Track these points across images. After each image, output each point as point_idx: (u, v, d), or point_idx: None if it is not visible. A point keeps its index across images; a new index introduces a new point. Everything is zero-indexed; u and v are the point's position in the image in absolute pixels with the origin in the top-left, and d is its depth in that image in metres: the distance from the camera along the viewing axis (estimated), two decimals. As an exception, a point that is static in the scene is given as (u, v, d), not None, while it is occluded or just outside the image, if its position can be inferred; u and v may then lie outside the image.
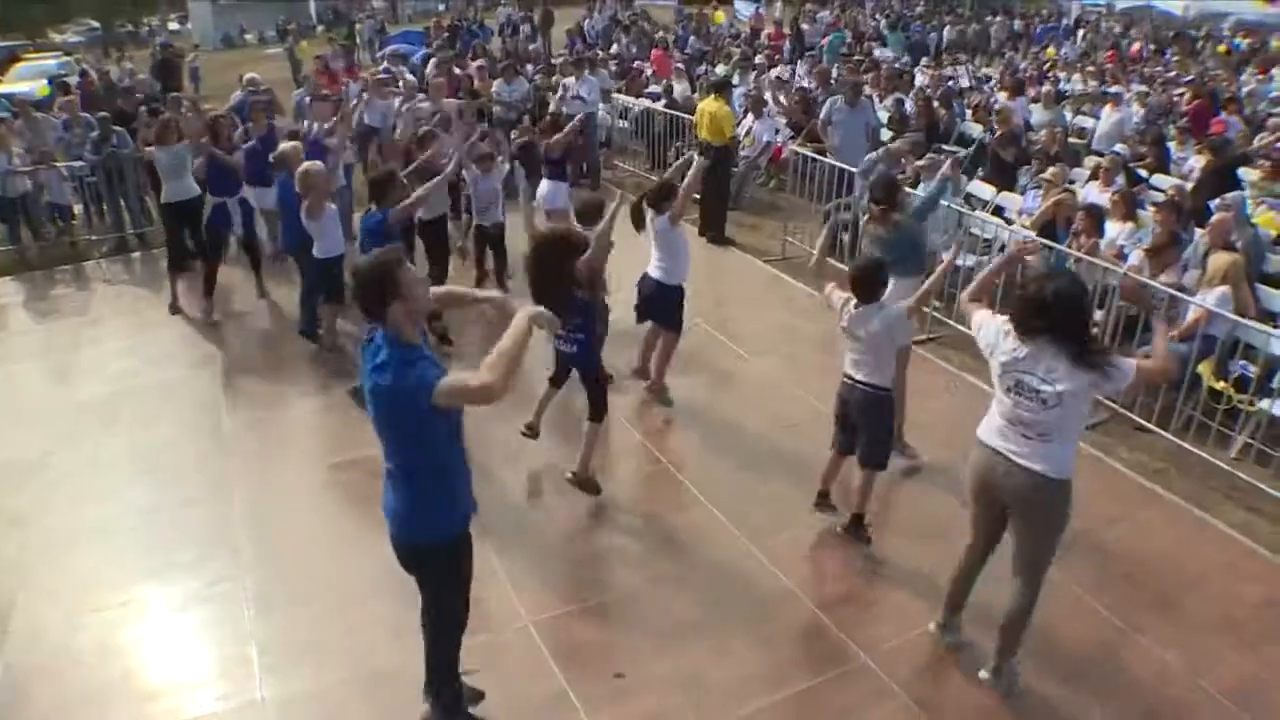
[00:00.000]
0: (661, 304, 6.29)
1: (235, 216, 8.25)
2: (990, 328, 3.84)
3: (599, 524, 5.38)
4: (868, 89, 11.56)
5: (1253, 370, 6.23)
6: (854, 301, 4.78)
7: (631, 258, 6.33)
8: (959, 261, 8.16)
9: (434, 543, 3.46)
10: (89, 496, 5.72)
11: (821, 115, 10.16)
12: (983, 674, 4.15)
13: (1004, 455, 3.74)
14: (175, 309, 8.36)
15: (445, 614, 3.68)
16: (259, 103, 8.97)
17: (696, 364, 6.49)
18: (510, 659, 4.33)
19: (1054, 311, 3.52)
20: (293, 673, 4.30)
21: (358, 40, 22.69)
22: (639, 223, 6.27)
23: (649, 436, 6.26)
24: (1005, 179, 9.66)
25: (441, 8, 30.84)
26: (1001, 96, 12.25)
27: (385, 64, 14.94)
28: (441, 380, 3.07)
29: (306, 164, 6.71)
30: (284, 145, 7.33)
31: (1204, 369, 6.28)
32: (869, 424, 4.91)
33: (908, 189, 7.80)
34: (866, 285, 4.72)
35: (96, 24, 35.65)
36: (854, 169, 8.88)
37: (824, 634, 4.52)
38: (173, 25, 30.72)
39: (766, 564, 5.01)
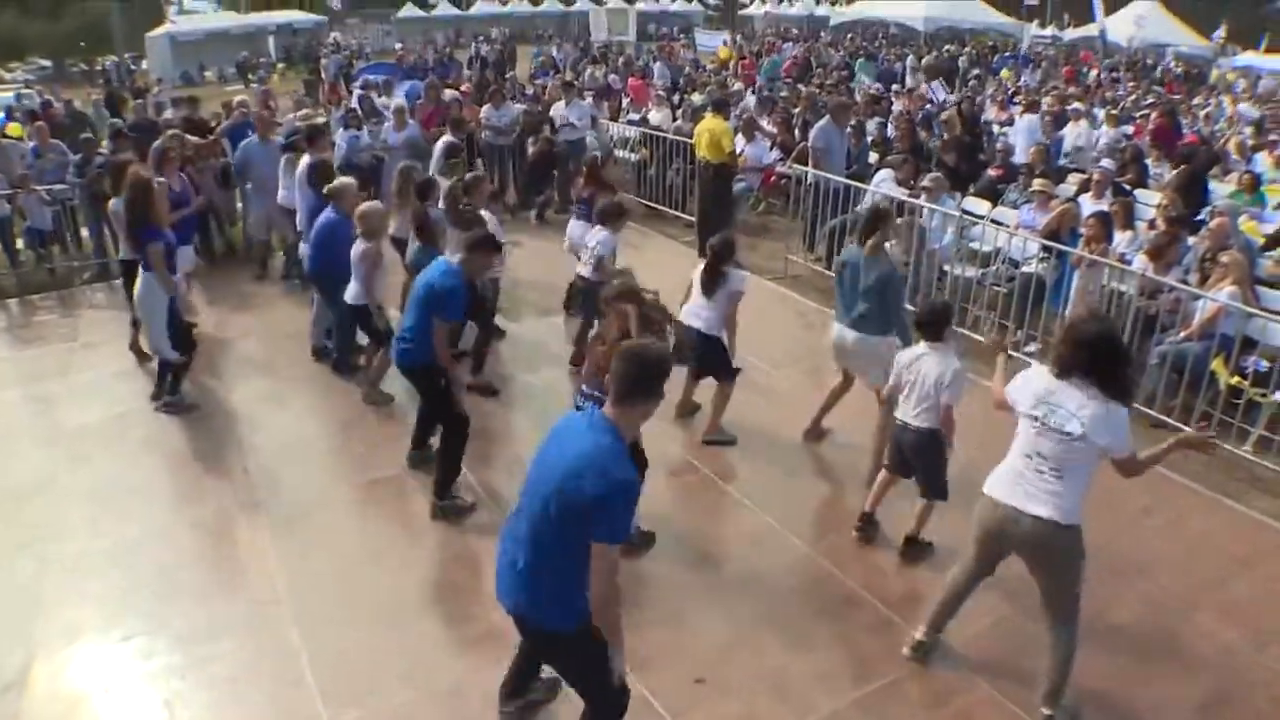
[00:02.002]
0: (709, 354, 6.01)
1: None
2: (1027, 376, 3.86)
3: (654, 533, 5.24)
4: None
5: (1265, 365, 6.39)
6: (919, 345, 4.84)
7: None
8: (958, 272, 8.44)
9: (569, 631, 3.15)
10: (102, 519, 5.45)
11: (811, 140, 10.30)
12: None
13: (1014, 508, 3.73)
14: (138, 350, 7.60)
15: (601, 696, 3.32)
16: (171, 151, 8.09)
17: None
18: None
19: (1094, 351, 3.61)
20: (353, 695, 4.12)
21: (322, 75, 22.59)
22: (711, 286, 5.94)
23: (690, 449, 6.20)
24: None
25: (399, 46, 30.79)
26: (1027, 118, 12.78)
27: (359, 92, 14.88)
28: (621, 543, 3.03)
29: (365, 205, 6.60)
30: (340, 180, 7.14)
31: (1217, 366, 6.42)
32: (925, 465, 4.90)
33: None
34: (933, 326, 4.78)
35: (47, 62, 35.19)
36: (850, 183, 9.10)
37: (897, 630, 4.49)
38: (130, 66, 30.33)
39: (827, 566, 4.99)
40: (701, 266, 6.10)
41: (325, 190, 7.03)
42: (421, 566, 5.09)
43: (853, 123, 10.95)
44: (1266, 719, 4.02)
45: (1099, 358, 3.60)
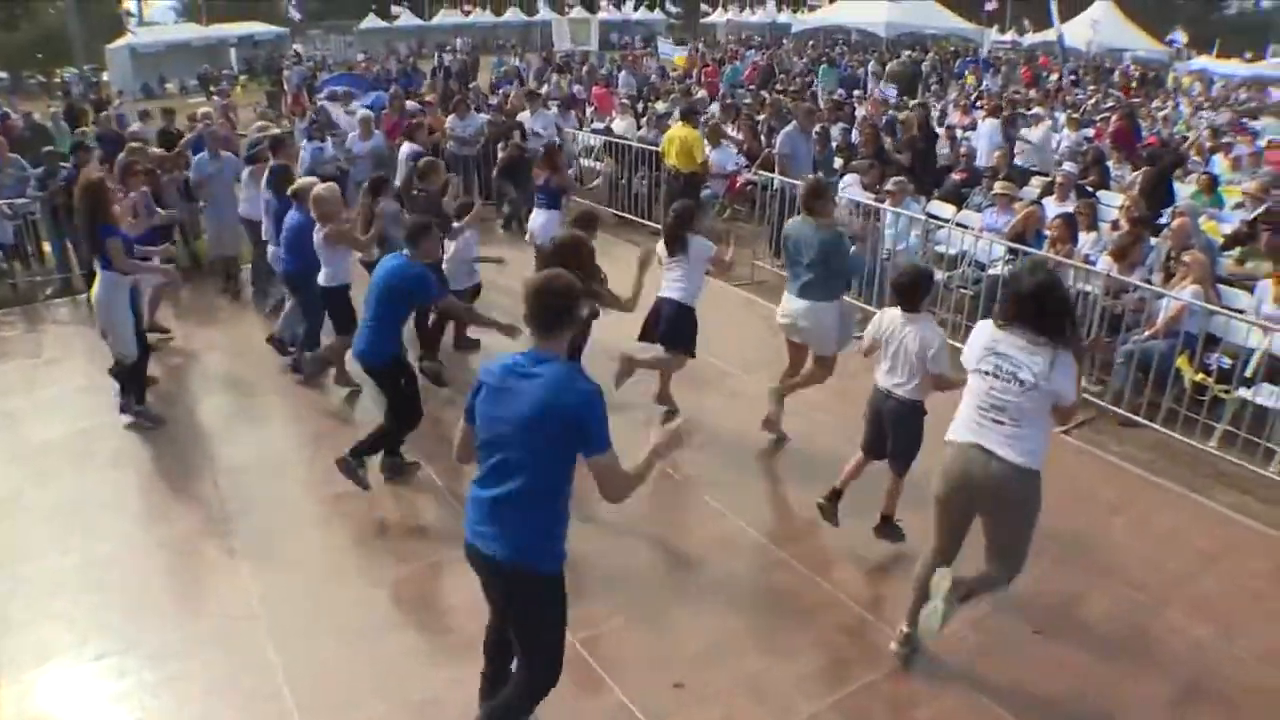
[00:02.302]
0: (680, 325, 6.17)
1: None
2: (974, 333, 3.94)
3: (628, 540, 5.26)
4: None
5: (1227, 362, 6.52)
6: (896, 311, 4.78)
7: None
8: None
9: (552, 573, 3.24)
10: (71, 536, 5.33)
11: (777, 147, 10.38)
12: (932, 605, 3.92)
13: (980, 448, 3.74)
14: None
15: (549, 657, 3.36)
16: (136, 165, 8.03)
17: (695, 383, 6.54)
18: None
19: (1038, 299, 3.68)
20: (330, 708, 4.07)
21: (285, 87, 22.40)
22: (674, 246, 6.18)
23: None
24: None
25: (361, 56, 30.60)
26: (989, 121, 12.86)
27: (321, 103, 14.79)
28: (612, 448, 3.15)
29: (317, 188, 6.59)
30: (302, 180, 7.15)
31: (1182, 363, 6.54)
32: (901, 434, 4.88)
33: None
34: (910, 292, 4.70)
35: (3, 74, 34.57)
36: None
37: (873, 631, 4.52)
38: (92, 79, 29.87)
39: (802, 569, 5.01)
40: (664, 236, 6.33)
41: (290, 191, 7.02)
42: (396, 578, 5.03)
43: (818, 129, 11.04)
44: (1238, 711, 4.08)
45: (1044, 306, 3.67)
